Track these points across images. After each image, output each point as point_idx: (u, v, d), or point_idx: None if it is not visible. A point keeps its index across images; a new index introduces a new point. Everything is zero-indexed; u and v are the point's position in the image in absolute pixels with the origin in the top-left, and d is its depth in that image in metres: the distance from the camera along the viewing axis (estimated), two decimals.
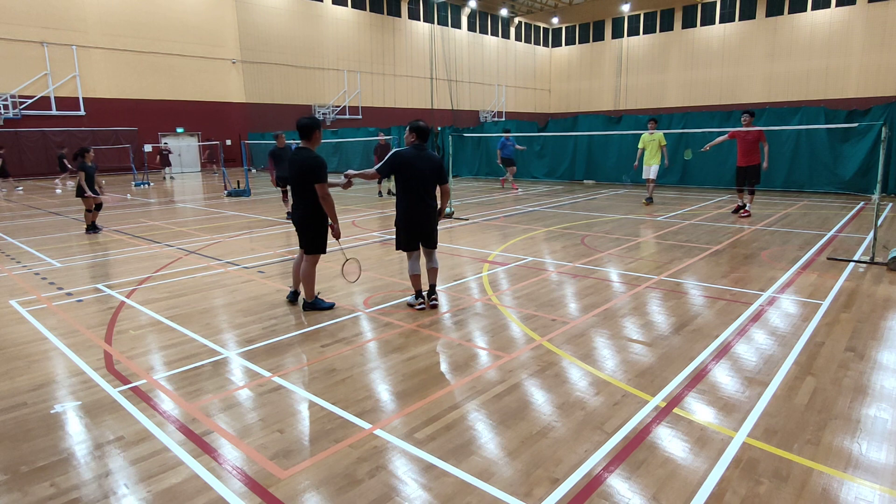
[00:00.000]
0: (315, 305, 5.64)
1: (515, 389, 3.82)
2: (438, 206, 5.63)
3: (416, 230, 5.52)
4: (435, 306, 5.66)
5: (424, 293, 5.70)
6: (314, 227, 5.47)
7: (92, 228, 10.90)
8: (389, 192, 16.87)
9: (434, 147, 25.15)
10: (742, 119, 10.99)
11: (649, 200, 13.67)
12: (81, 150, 10.76)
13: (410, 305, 5.67)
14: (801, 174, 15.27)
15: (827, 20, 39.30)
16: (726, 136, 11.53)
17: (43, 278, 7.29)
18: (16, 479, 2.92)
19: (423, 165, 5.37)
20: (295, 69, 37.23)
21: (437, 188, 5.56)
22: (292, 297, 5.91)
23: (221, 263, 7.96)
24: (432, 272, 5.72)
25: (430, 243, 5.65)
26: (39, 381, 4.10)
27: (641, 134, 13.32)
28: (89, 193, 10.57)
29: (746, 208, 11.35)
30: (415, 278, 5.61)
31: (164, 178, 27.59)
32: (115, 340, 4.92)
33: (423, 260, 5.76)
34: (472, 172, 23.42)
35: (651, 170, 13.21)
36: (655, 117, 13.81)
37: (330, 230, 5.52)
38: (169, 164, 28.25)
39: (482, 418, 3.44)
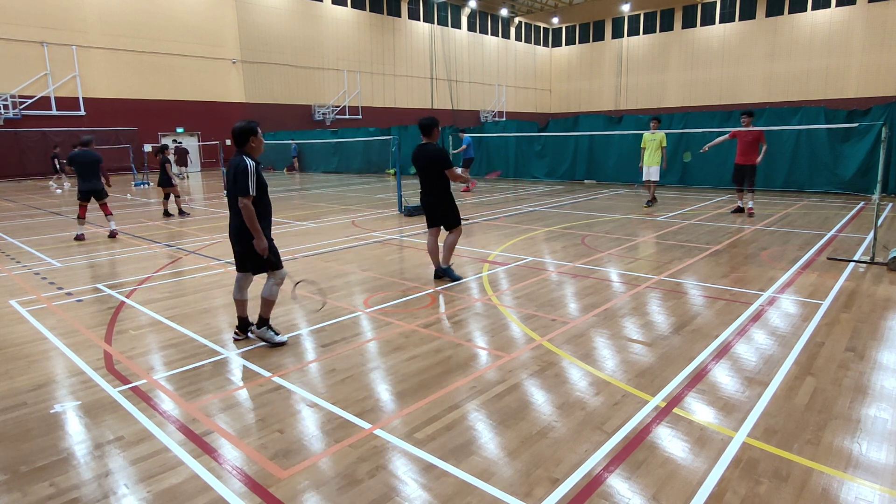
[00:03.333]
0: (447, 272, 6.66)
1: (515, 389, 3.81)
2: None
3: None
4: (239, 339, 4.82)
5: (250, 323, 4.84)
6: (446, 207, 6.52)
7: (181, 213, 12.74)
8: (651, 203, 13.53)
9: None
10: (742, 120, 11.09)
11: (650, 203, 13.35)
12: (163, 146, 12.80)
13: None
14: (801, 174, 15.26)
15: (827, 20, 39.32)
16: (727, 136, 11.55)
17: (43, 278, 7.29)
18: (15, 478, 2.92)
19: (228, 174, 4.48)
20: (295, 69, 37.23)
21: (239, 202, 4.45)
22: (439, 273, 6.71)
23: (221, 263, 7.96)
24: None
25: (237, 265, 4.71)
26: (39, 381, 4.10)
27: (642, 134, 13.23)
28: (176, 182, 12.82)
29: (750, 206, 11.36)
30: (237, 303, 4.79)
31: (185, 177, 27.04)
32: (114, 340, 4.92)
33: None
34: (472, 172, 23.36)
35: (651, 171, 12.91)
36: (659, 116, 13.51)
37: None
38: (187, 164, 27.54)
39: (482, 418, 3.43)
